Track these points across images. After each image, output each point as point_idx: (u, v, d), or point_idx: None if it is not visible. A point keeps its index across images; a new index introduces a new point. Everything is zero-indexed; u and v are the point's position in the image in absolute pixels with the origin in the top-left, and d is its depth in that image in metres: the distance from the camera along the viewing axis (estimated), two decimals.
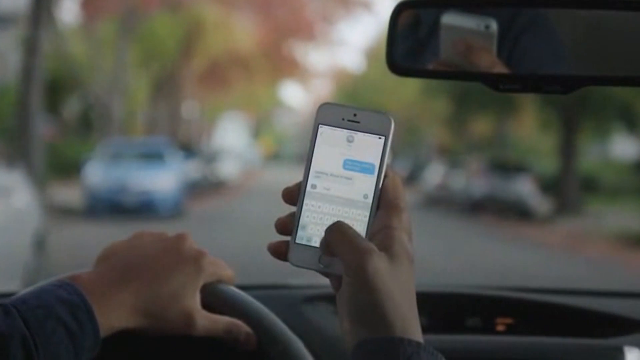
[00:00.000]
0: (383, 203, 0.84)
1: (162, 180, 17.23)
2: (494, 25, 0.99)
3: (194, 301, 0.99)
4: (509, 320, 1.48)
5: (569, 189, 21.82)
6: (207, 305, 1.00)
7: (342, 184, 0.85)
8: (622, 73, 1.00)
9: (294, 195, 0.86)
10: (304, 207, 0.85)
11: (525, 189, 21.45)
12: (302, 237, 0.85)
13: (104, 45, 25.14)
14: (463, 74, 1.03)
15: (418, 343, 0.78)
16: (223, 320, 1.00)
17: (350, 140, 0.85)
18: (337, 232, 0.81)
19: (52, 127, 28.64)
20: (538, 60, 1.00)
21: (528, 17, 1.01)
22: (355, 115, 0.85)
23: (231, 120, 65.83)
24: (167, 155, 18.68)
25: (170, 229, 1.05)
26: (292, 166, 62.94)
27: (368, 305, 0.79)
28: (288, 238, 0.85)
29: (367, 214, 0.84)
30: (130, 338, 0.98)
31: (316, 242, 0.84)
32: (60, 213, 16.70)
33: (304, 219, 0.85)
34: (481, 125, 32.61)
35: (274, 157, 79.44)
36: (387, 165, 0.85)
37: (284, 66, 36.43)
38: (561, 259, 13.03)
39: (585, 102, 21.35)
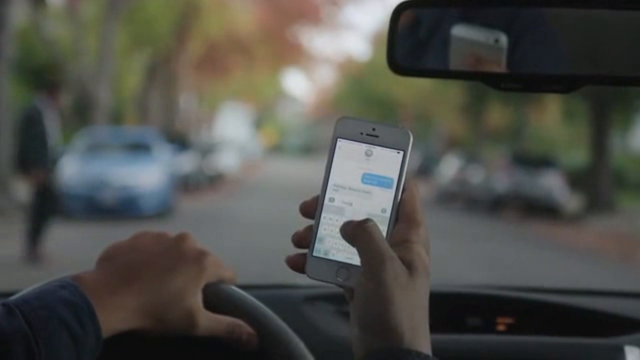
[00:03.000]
0: (401, 217, 0.84)
1: (147, 174, 15.22)
2: (503, 39, 1.00)
3: (196, 301, 0.98)
4: (509, 320, 1.47)
5: (600, 185, 20.20)
6: (209, 305, 1.00)
7: (361, 198, 0.86)
8: (622, 72, 1.00)
9: (312, 208, 0.86)
10: (322, 220, 0.86)
11: (553, 184, 19.96)
12: (319, 250, 0.85)
13: (90, 27, 23.27)
14: (464, 74, 1.04)
15: (427, 356, 0.79)
16: (225, 320, 1.00)
17: (368, 155, 0.86)
18: (366, 229, 0.82)
19: None
20: (539, 60, 1.01)
21: (529, 16, 1.01)
22: (374, 129, 0.86)
23: (232, 111, 64.61)
24: (154, 147, 16.65)
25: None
26: (295, 158, 61.64)
27: (380, 312, 0.79)
28: (305, 251, 0.86)
29: (385, 228, 0.85)
30: (132, 339, 0.98)
31: (334, 255, 0.85)
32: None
33: (322, 232, 0.86)
34: (497, 115, 30.85)
35: (277, 148, 78.22)
36: (406, 178, 0.85)
37: (287, 52, 34.61)
38: (618, 269, 11.05)
39: (621, 90, 19.54)
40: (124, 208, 14.49)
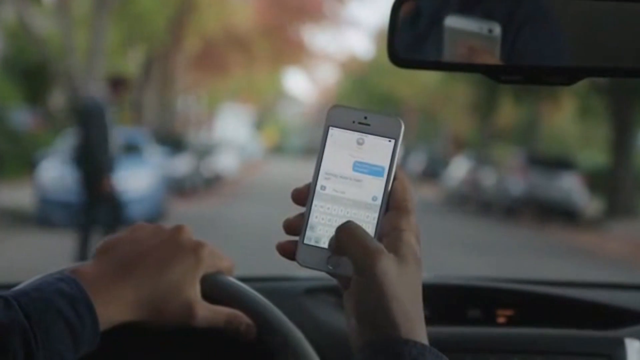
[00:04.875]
0: (392, 205, 0.85)
1: (137, 178, 13.94)
2: (497, 29, 1.00)
3: (194, 292, 0.99)
4: (509, 312, 1.48)
5: (622, 188, 19.22)
6: (207, 296, 1.00)
7: (352, 186, 0.87)
8: (623, 64, 1.00)
9: (303, 196, 0.87)
10: (313, 208, 0.87)
11: (571, 187, 19.07)
12: (310, 237, 0.86)
13: (81, 23, 22.21)
14: (465, 66, 1.04)
15: (423, 345, 0.80)
16: (224, 311, 1.01)
17: (360, 143, 0.87)
18: (347, 231, 0.83)
19: (37, 117, 26.75)
20: (539, 52, 1.01)
21: (529, 7, 1.01)
22: (365, 118, 0.87)
23: (232, 111, 63.78)
24: (144, 149, 15.44)
25: None
26: (296, 159, 60.96)
27: (375, 306, 0.80)
28: (297, 238, 0.87)
29: (376, 215, 0.86)
30: (130, 330, 0.98)
31: (325, 243, 0.86)
32: (8, 218, 13.68)
33: (313, 219, 0.86)
34: (507, 114, 29.73)
35: (278, 149, 77.53)
36: (397, 167, 0.87)
37: (288, 49, 33.49)
38: None
39: None
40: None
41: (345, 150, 0.86)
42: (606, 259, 12.45)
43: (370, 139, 0.86)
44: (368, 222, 0.85)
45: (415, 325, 0.80)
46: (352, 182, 0.86)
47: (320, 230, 0.85)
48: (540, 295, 1.49)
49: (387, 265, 0.80)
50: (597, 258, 12.51)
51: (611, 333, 1.36)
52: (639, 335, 1.34)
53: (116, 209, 8.59)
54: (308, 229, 0.85)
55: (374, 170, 0.86)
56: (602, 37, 1.00)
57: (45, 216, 13.21)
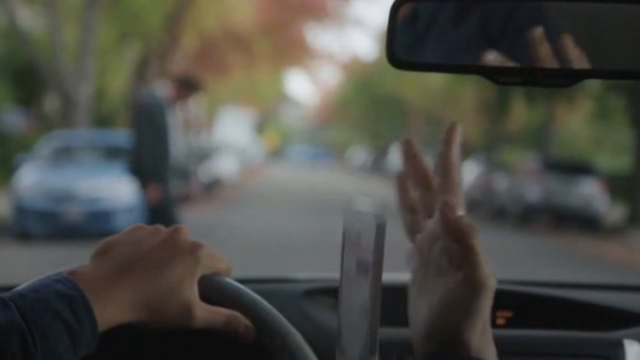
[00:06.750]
0: (456, 235, 0.87)
1: (123, 185, 12.81)
2: None
3: (193, 293, 0.99)
4: (508, 314, 1.49)
5: None
6: (205, 297, 1.00)
7: None
8: (622, 66, 1.00)
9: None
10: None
11: (591, 193, 18.14)
12: None
13: (71, 19, 21.31)
14: (463, 67, 1.05)
15: None
16: (222, 312, 1.00)
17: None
18: (475, 240, 0.83)
19: (30, 119, 26.42)
20: (538, 53, 1.01)
21: (528, 9, 1.02)
22: None
23: (233, 114, 63.09)
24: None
25: None
26: (298, 164, 60.21)
27: (458, 319, 0.82)
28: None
29: None
30: (129, 332, 0.98)
31: None
32: None
33: None
34: (519, 116, 28.81)
35: (279, 153, 76.86)
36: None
37: (289, 49, 32.59)
38: None
39: None
40: (94, 225, 12.01)
41: None
42: (635, 271, 11.50)
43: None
44: None
45: (486, 348, 0.83)
46: None
47: None
48: (540, 297, 1.50)
49: (489, 299, 0.82)
50: (626, 270, 11.62)
51: (610, 335, 1.37)
52: (639, 337, 1.34)
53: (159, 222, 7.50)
54: None
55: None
56: (601, 39, 1.00)
57: (23, 227, 12.12)
